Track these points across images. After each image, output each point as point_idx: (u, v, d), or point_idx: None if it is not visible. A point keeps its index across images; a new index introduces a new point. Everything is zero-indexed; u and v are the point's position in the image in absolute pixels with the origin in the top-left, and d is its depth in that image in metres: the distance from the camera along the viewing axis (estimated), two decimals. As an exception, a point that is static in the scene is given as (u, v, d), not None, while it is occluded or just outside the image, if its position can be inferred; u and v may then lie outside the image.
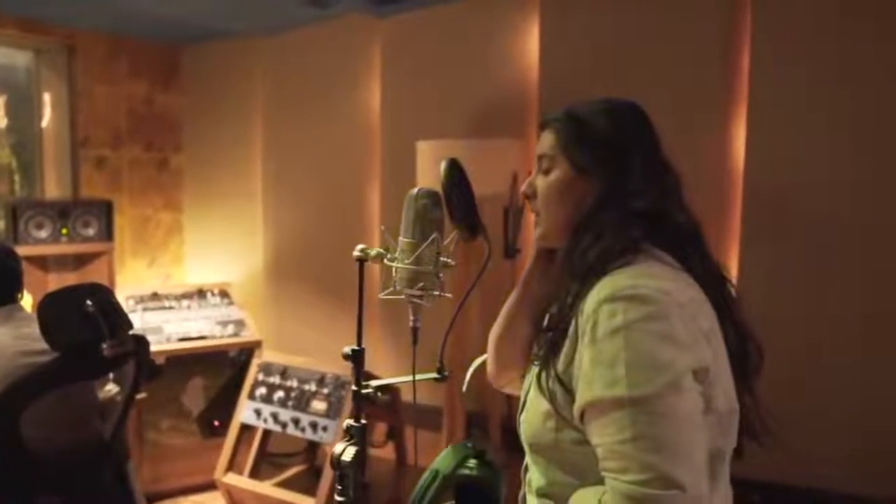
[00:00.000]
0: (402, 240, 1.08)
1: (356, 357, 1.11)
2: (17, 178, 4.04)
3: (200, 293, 3.66)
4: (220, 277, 4.13)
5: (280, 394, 2.98)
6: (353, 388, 1.12)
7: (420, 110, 3.67)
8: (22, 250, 2.86)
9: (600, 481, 0.93)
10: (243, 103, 4.32)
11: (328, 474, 2.73)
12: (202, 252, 4.59)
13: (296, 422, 2.89)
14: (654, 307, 0.93)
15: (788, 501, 2.70)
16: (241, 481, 3.01)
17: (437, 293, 1.08)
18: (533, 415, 1.06)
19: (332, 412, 2.84)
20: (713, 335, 1.00)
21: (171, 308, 3.51)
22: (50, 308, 1.88)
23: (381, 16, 3.73)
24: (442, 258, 1.08)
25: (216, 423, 3.36)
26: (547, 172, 1.13)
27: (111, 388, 2.21)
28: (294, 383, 2.97)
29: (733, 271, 2.83)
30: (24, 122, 4.01)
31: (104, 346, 1.88)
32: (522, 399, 1.13)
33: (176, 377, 3.31)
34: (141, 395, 2.89)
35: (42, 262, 3.46)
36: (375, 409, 2.92)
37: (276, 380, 3.02)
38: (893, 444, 2.42)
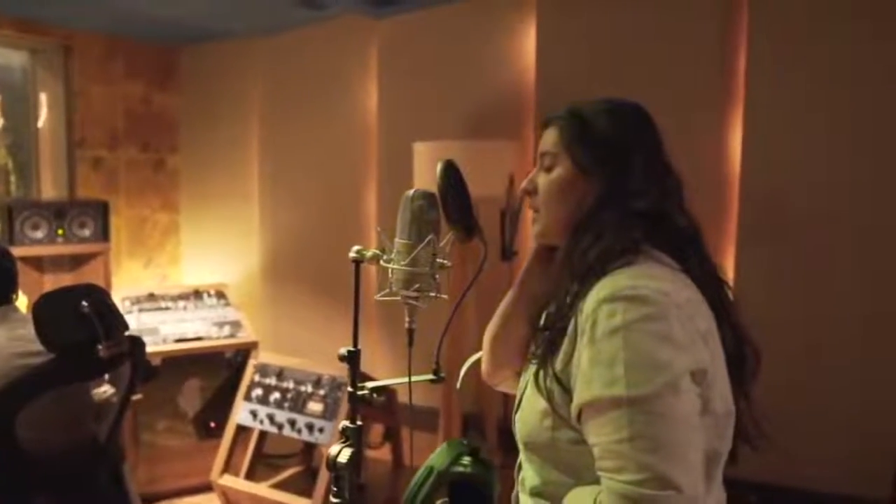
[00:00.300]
0: (399, 241, 1.08)
1: (352, 358, 1.11)
2: (13, 178, 4.03)
3: (197, 294, 3.65)
4: (217, 278, 4.13)
5: (276, 395, 2.97)
6: (349, 389, 1.11)
7: (417, 111, 3.67)
8: (17, 251, 2.86)
9: (596, 481, 0.93)
10: (240, 104, 4.31)
11: (324, 476, 2.73)
12: (199, 253, 4.58)
13: (292, 423, 2.88)
14: (653, 308, 0.93)
15: (785, 502, 2.71)
16: (237, 483, 3.01)
17: (433, 294, 1.08)
18: (529, 413, 1.06)
19: (329, 413, 2.84)
20: (710, 337, 1.00)
21: (167, 309, 3.50)
22: (45, 309, 1.87)
23: (378, 17, 3.73)
24: (438, 259, 1.08)
25: (212, 424, 3.35)
26: (549, 170, 1.13)
27: (107, 390, 2.20)
28: (290, 384, 2.97)
29: (730, 272, 2.83)
30: (20, 123, 4.00)
31: (100, 347, 1.87)
32: (518, 397, 1.13)
33: (172, 378, 3.30)
34: (137, 397, 2.88)
35: (38, 263, 3.45)
36: (372, 410, 2.91)
37: (272, 381, 3.02)
38: (889, 444, 2.42)
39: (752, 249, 2.82)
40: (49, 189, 4.04)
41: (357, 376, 1.11)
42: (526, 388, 1.10)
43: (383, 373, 3.60)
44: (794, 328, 2.70)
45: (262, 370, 3.07)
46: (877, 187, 2.61)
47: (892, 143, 2.58)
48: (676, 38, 2.97)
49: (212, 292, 3.70)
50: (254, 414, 2.99)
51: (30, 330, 1.87)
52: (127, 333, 2.03)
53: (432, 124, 3.54)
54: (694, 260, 1.07)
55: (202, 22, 3.87)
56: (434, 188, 1.11)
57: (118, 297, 3.39)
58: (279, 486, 3.09)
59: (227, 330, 3.43)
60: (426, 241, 1.06)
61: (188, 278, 4.53)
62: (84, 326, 1.86)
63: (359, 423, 1.12)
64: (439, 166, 1.12)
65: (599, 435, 0.92)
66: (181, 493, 3.25)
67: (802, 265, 2.76)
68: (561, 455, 1.02)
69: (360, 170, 3.96)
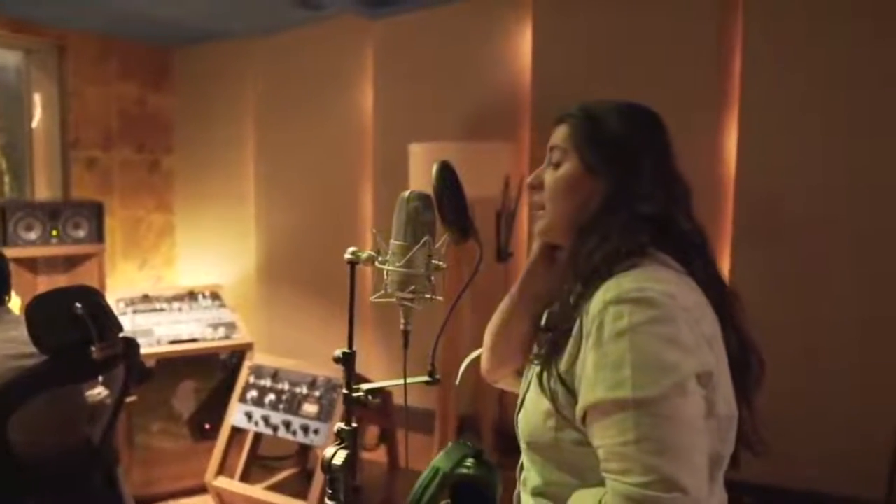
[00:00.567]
0: (394, 242, 1.07)
1: (347, 360, 1.10)
2: (6, 179, 4.01)
3: (191, 295, 3.64)
4: (212, 279, 4.12)
5: (271, 397, 2.96)
6: (345, 391, 1.11)
7: (413, 112, 3.67)
8: (11, 252, 2.84)
9: (599, 481, 0.93)
10: (235, 105, 4.30)
11: (319, 478, 2.72)
12: (193, 254, 4.57)
13: (287, 425, 2.88)
14: (659, 310, 0.93)
15: (780, 503, 2.71)
16: (231, 485, 3.00)
17: (428, 296, 1.07)
18: (532, 414, 1.06)
19: (324, 415, 2.83)
20: (715, 341, 1.00)
21: (161, 310, 3.49)
22: (38, 310, 1.86)
23: (374, 18, 3.73)
24: (433, 261, 1.08)
25: (207, 426, 3.34)
26: (557, 166, 1.13)
27: (100, 392, 2.19)
28: (285, 386, 2.96)
29: (725, 275, 2.84)
30: (14, 123, 3.98)
31: (93, 348, 1.86)
32: (521, 398, 1.13)
33: (166, 380, 3.29)
34: (131, 399, 2.87)
35: (31, 264, 3.44)
36: (367, 412, 2.90)
37: (267, 382, 3.01)
38: (883, 446, 2.43)
39: (748, 252, 2.82)
40: (43, 190, 4.03)
41: (352, 378, 1.11)
42: (529, 388, 1.10)
43: (378, 374, 3.59)
44: (789, 331, 2.70)
45: (257, 372, 3.06)
46: (872, 189, 2.62)
47: (889, 144, 2.59)
48: (672, 39, 2.97)
49: (207, 294, 3.69)
50: (249, 416, 2.98)
51: (23, 332, 1.86)
52: (121, 335, 2.02)
53: (428, 125, 3.54)
54: (699, 265, 1.07)
55: (197, 22, 3.87)
56: (430, 189, 1.10)
57: (112, 299, 3.38)
58: (274, 487, 3.08)
59: (221, 331, 3.42)
60: (422, 242, 1.06)
61: (183, 280, 4.52)
62: (78, 328, 1.85)
63: (354, 425, 1.11)
64: (435, 167, 1.11)
65: (605, 437, 0.92)
66: (176, 496, 3.23)
67: (798, 268, 2.77)
68: (564, 456, 1.02)
69: (355, 171, 3.96)
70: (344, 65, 3.92)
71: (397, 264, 1.06)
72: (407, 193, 1.09)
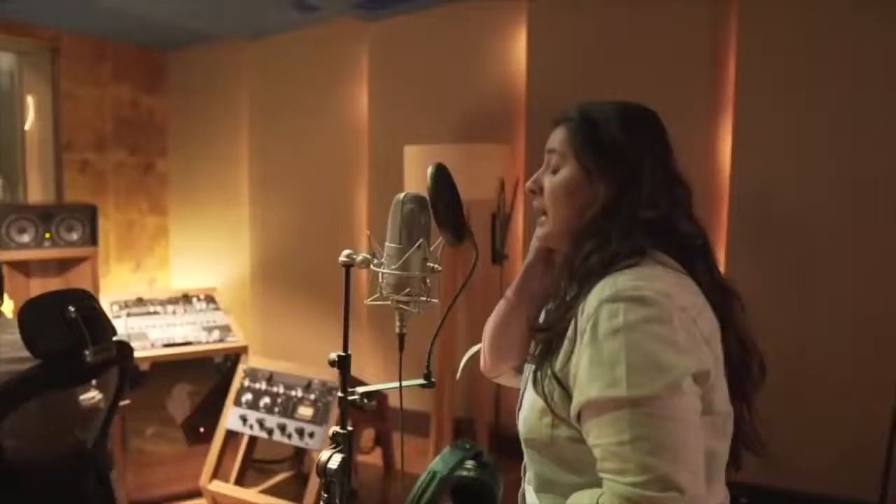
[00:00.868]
0: (389, 245, 1.07)
1: (342, 363, 1.10)
2: (-1, 181, 3.99)
3: (186, 298, 3.63)
4: (206, 282, 4.10)
5: (266, 400, 2.95)
6: (340, 394, 1.10)
7: (408, 115, 3.67)
8: (4, 255, 2.83)
9: (597, 477, 0.93)
10: (230, 107, 4.30)
11: (315, 481, 2.71)
12: (188, 257, 4.56)
13: (282, 428, 2.87)
14: (655, 309, 0.93)
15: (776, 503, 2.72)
16: (226, 488, 2.98)
17: (423, 299, 1.07)
18: (529, 411, 1.06)
19: (319, 418, 2.82)
20: (713, 340, 1.00)
21: (155, 313, 3.48)
22: (31, 314, 1.85)
23: (369, 20, 3.72)
24: (429, 263, 1.08)
25: (201, 429, 3.33)
26: (555, 171, 1.12)
27: (94, 396, 2.18)
28: (280, 389, 2.95)
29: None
30: (6, 125, 3.96)
31: (87, 352, 1.85)
32: (520, 396, 1.14)
33: (161, 383, 3.28)
34: (125, 402, 2.85)
35: (24, 268, 3.42)
36: (362, 415, 2.90)
37: (262, 386, 3.00)
38: (877, 446, 2.43)
39: (743, 252, 2.83)
40: (36, 193, 4.01)
41: (347, 381, 1.10)
42: (527, 386, 1.10)
43: (374, 376, 3.59)
44: (785, 331, 2.71)
45: (252, 375, 3.05)
46: (867, 189, 2.63)
47: (882, 145, 2.60)
48: (666, 41, 2.98)
49: (201, 296, 3.67)
50: (243, 419, 2.97)
51: (16, 336, 1.85)
52: (115, 338, 2.01)
53: (423, 127, 3.54)
54: (701, 267, 1.07)
55: (191, 24, 3.86)
56: (425, 192, 1.10)
57: (106, 302, 3.36)
58: (269, 491, 3.07)
59: (216, 334, 3.40)
60: (417, 244, 1.05)
61: (177, 282, 4.51)
62: (71, 332, 1.84)
63: (349, 428, 1.11)
64: (430, 170, 1.11)
65: (601, 436, 0.92)
66: (170, 500, 3.22)
67: (792, 268, 2.77)
68: (561, 452, 1.02)
69: (350, 173, 3.95)
70: (339, 67, 3.92)
71: (392, 267, 1.06)
72: (402, 196, 1.08)
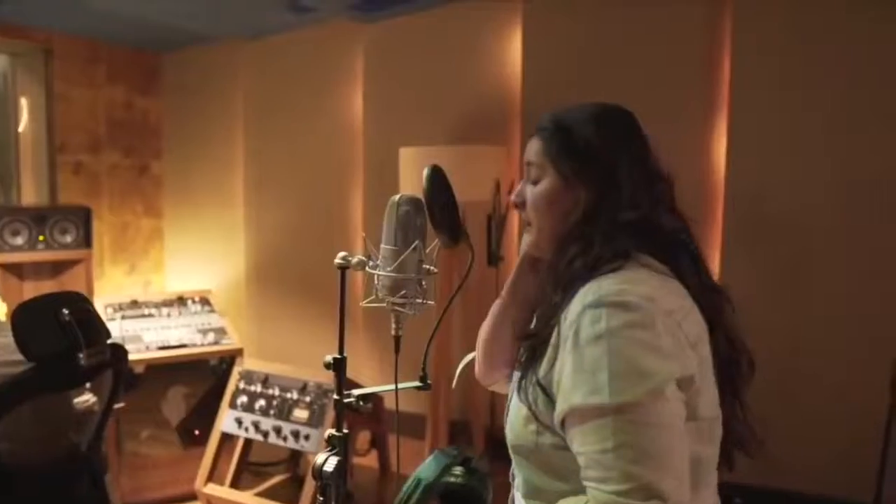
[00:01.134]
0: (384, 247, 1.07)
1: (338, 366, 1.10)
2: (-8, 184, 3.98)
3: (181, 301, 3.62)
4: (201, 285, 4.09)
5: (261, 402, 2.95)
6: (335, 397, 1.10)
7: (403, 116, 3.67)
8: (-3, 258, 2.81)
9: (582, 484, 0.93)
10: (224, 109, 4.29)
11: (310, 484, 2.70)
12: (182, 259, 4.54)
13: (277, 430, 2.86)
14: (637, 314, 0.92)
15: (771, 505, 2.72)
16: (222, 491, 2.98)
17: (419, 301, 1.07)
18: (515, 419, 1.06)
19: (315, 420, 2.81)
20: (700, 343, 0.99)
21: (150, 316, 3.47)
22: (25, 317, 1.84)
23: (364, 21, 3.72)
24: (424, 265, 1.08)
25: (197, 432, 3.32)
26: (535, 182, 1.13)
27: (88, 399, 2.17)
28: (276, 391, 2.94)
29: (715, 274, 2.85)
30: None
31: (80, 355, 1.84)
32: (508, 403, 1.13)
33: (156, 386, 3.26)
34: (119, 405, 2.84)
35: (18, 270, 3.40)
36: (358, 417, 2.89)
37: (257, 388, 2.99)
38: (871, 447, 2.44)
39: (738, 252, 2.83)
40: (30, 195, 3.99)
41: (343, 384, 1.10)
42: (513, 393, 1.09)
43: (370, 378, 3.58)
44: (780, 331, 2.72)
45: (247, 377, 3.04)
46: (862, 189, 2.63)
47: (877, 145, 2.60)
48: (661, 42, 2.99)
49: (196, 299, 3.66)
50: (239, 421, 2.96)
51: (9, 339, 1.84)
52: (109, 341, 2.00)
53: (419, 129, 3.54)
54: (686, 263, 1.06)
55: (185, 26, 3.85)
56: (420, 193, 1.10)
57: (100, 305, 3.35)
58: (265, 494, 3.06)
59: (211, 337, 3.39)
60: (412, 246, 1.05)
61: (172, 285, 4.49)
62: (65, 335, 1.83)
63: (345, 430, 1.10)
64: (425, 171, 1.11)
65: (584, 444, 0.91)
66: (165, 502, 3.21)
67: (787, 268, 2.78)
68: (547, 459, 1.01)
69: (345, 175, 3.95)
70: (334, 69, 3.91)
71: (388, 269, 1.05)
72: (397, 197, 1.08)
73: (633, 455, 0.87)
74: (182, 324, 3.46)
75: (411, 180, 2.98)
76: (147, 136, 4.45)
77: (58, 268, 3.50)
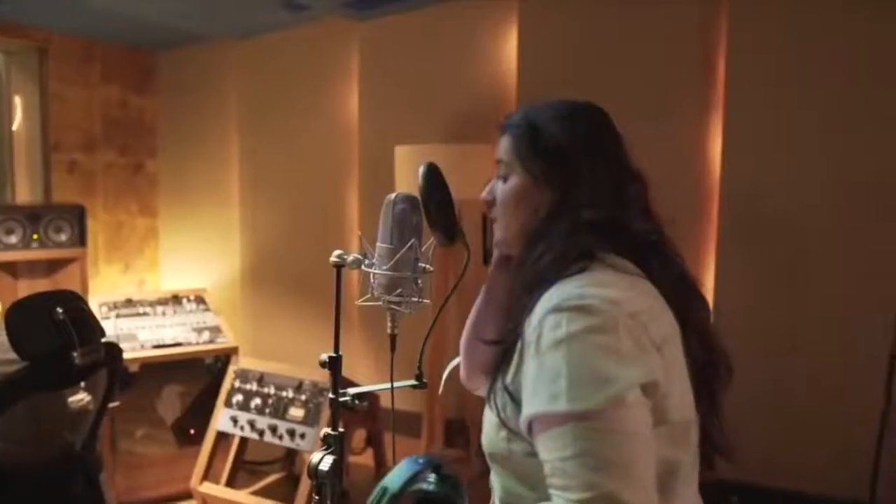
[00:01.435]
0: (380, 245, 1.07)
1: (333, 364, 1.10)
2: (-14, 182, 3.96)
3: (175, 299, 3.61)
4: (196, 283, 4.08)
5: (257, 401, 2.94)
6: (331, 396, 1.10)
7: (399, 114, 3.66)
8: (-9, 256, 2.80)
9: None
10: (219, 107, 4.27)
11: (306, 482, 2.70)
12: (177, 258, 4.53)
13: (273, 429, 2.85)
14: (598, 318, 0.90)
15: (766, 502, 2.73)
16: (217, 490, 2.97)
17: (415, 299, 1.07)
18: (488, 425, 1.04)
19: (310, 419, 2.81)
20: (669, 345, 0.97)
21: (145, 315, 3.46)
22: (19, 316, 1.83)
23: (360, 19, 3.71)
24: (420, 264, 1.07)
25: (192, 431, 3.31)
26: (505, 179, 1.12)
27: (83, 398, 2.16)
28: (271, 390, 2.94)
29: (711, 275, 2.85)
30: (-7, 126, 3.93)
31: (75, 354, 1.84)
32: (483, 409, 1.12)
33: (150, 385, 3.26)
34: (114, 404, 2.84)
35: (12, 269, 3.39)
36: (354, 415, 2.89)
37: (252, 387, 2.99)
38: (867, 446, 2.45)
39: (733, 252, 2.84)
40: (24, 193, 3.98)
41: (339, 382, 1.10)
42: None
43: (365, 377, 3.58)
44: (775, 330, 2.72)
45: (243, 376, 3.04)
46: (858, 189, 2.64)
47: (874, 144, 2.61)
48: (657, 40, 2.99)
49: (191, 297, 3.66)
50: (234, 420, 2.95)
51: (3, 337, 1.83)
52: (103, 340, 2.00)
53: (414, 127, 3.53)
54: (656, 264, 1.04)
55: (181, 25, 3.84)
56: (416, 192, 1.10)
57: (95, 303, 3.34)
58: (260, 493, 3.06)
59: (206, 335, 3.39)
60: (408, 245, 1.05)
61: (167, 283, 4.48)
62: (59, 333, 1.83)
63: (341, 429, 1.10)
64: (421, 169, 1.11)
65: (548, 451, 0.90)
66: (160, 501, 3.20)
67: (783, 267, 2.78)
68: (518, 467, 1.00)
69: (341, 173, 3.94)
70: (329, 67, 3.91)
71: (384, 267, 1.05)
72: (393, 196, 1.08)
73: (594, 463, 0.85)
74: (177, 322, 3.45)
75: (407, 179, 2.97)
76: (142, 134, 4.43)
77: (52, 266, 3.49)
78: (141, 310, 3.48)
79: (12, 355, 1.82)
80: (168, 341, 3.29)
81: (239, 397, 2.99)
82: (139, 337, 3.28)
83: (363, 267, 1.07)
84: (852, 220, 2.65)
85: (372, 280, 1.07)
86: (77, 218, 3.50)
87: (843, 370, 2.64)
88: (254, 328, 4.20)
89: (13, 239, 3.33)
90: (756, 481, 2.58)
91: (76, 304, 1.94)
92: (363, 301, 1.07)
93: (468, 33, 3.51)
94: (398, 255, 1.05)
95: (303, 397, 2.87)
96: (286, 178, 4.10)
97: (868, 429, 2.46)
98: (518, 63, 3.34)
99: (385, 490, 0.99)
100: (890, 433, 2.40)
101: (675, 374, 0.98)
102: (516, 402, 0.96)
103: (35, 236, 3.37)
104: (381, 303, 1.07)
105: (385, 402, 3.09)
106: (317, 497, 1.09)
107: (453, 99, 3.52)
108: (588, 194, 1.04)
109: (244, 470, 3.22)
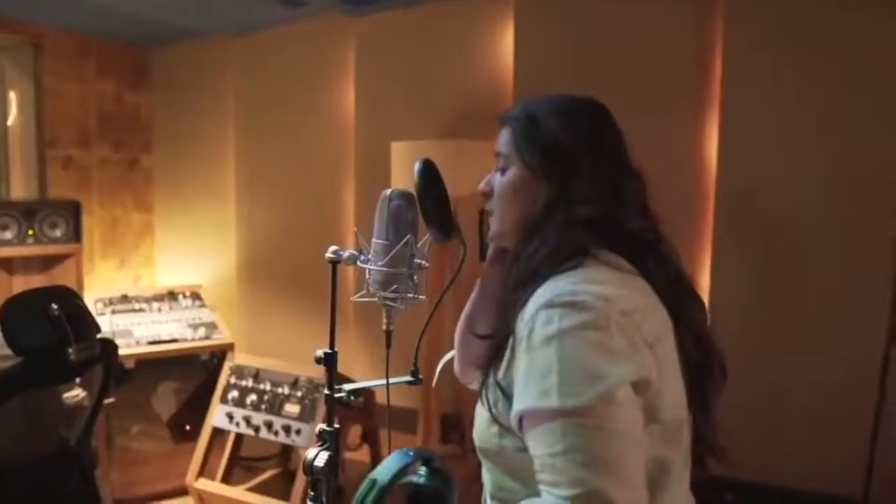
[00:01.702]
0: (376, 241, 1.07)
1: (329, 360, 1.10)
2: (-19, 178, 3.94)
3: (171, 295, 3.60)
4: (192, 279, 4.08)
5: (253, 397, 2.94)
6: (327, 392, 1.10)
7: (395, 111, 3.66)
8: (-15, 252, 2.79)
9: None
10: (215, 103, 4.26)
11: (302, 478, 2.70)
12: (173, 254, 4.52)
13: (269, 425, 2.86)
14: (590, 315, 0.90)
15: (761, 500, 2.74)
16: (213, 486, 2.97)
17: (411, 295, 1.07)
18: (479, 420, 1.05)
19: (306, 415, 2.81)
20: (662, 343, 0.97)
21: (141, 311, 3.45)
22: (14, 312, 1.83)
23: (356, 15, 3.71)
24: (416, 260, 1.07)
25: (187, 427, 3.31)
26: (503, 171, 1.13)
27: (78, 394, 2.16)
28: (267, 386, 2.94)
29: (706, 273, 2.86)
30: (-12, 121, 3.91)
31: (70, 350, 1.84)
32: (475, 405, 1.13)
33: (146, 381, 3.26)
34: (110, 400, 2.83)
35: (7, 265, 3.38)
36: (349, 411, 2.89)
37: (248, 383, 2.99)
38: (861, 443, 2.46)
39: (729, 249, 2.84)
40: (19, 189, 3.96)
41: (334, 378, 1.10)
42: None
43: (361, 373, 3.58)
44: (770, 326, 2.73)
45: (238, 372, 3.03)
46: (855, 187, 2.64)
47: (871, 142, 2.61)
48: (653, 37, 2.99)
49: (186, 293, 3.65)
50: (230, 416, 2.96)
51: (-1, 334, 1.83)
52: (99, 336, 1.99)
53: (410, 123, 3.53)
54: (651, 265, 1.04)
55: (177, 21, 3.82)
56: (412, 188, 1.10)
57: (90, 299, 3.34)
58: (256, 489, 3.07)
59: (202, 331, 3.38)
60: (404, 241, 1.05)
61: (162, 279, 4.47)
62: (54, 329, 1.83)
63: (336, 425, 1.10)
64: (417, 165, 1.11)
65: (538, 447, 0.90)
66: (156, 498, 3.20)
67: (779, 265, 2.79)
68: (509, 462, 1.00)
69: (337, 169, 3.94)
70: (325, 63, 3.90)
71: (379, 263, 1.05)
72: (389, 192, 1.08)
73: (582, 459, 0.85)
74: (173, 318, 3.45)
75: (403, 175, 2.97)
76: (137, 130, 4.42)
77: (47, 262, 3.48)
78: (136, 306, 3.47)
79: (7, 351, 1.82)
80: (164, 337, 3.29)
81: (234, 393, 2.99)
82: (135, 333, 3.28)
83: (359, 263, 1.07)
84: (848, 217, 2.65)
85: (367, 276, 1.07)
86: (72, 214, 3.49)
87: (837, 367, 2.65)
88: (250, 324, 4.19)
89: (8, 234, 3.32)
90: (750, 479, 2.59)
91: (71, 299, 1.93)
92: (359, 297, 1.07)
93: (465, 30, 3.50)
94: (394, 252, 1.05)
95: (298, 393, 2.87)
96: (282, 173, 4.09)
97: (863, 426, 2.47)
98: (514, 60, 3.34)
99: (374, 482, 0.98)
100: (884, 429, 2.42)
101: (668, 373, 0.97)
102: (508, 397, 0.96)
103: (30, 232, 3.36)
104: (376, 299, 1.07)
105: (381, 398, 3.09)
106: (312, 493, 1.09)
107: (450, 95, 3.51)
108: (585, 190, 1.04)
109: (240, 466, 3.23)
